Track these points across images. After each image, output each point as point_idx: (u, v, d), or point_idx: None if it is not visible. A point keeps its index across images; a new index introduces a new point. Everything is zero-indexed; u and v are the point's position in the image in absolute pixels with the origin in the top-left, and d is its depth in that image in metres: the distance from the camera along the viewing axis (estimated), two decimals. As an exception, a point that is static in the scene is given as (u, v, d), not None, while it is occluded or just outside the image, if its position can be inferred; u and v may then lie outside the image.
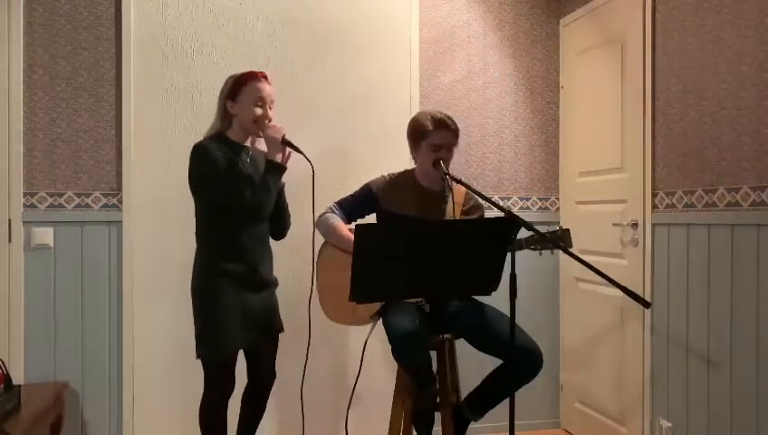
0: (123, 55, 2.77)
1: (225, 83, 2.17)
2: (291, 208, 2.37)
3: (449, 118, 2.31)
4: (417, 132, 2.33)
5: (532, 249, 2.24)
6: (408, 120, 2.43)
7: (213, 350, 2.09)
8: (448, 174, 2.19)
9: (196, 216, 2.17)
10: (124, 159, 2.78)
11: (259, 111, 2.12)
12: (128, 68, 2.78)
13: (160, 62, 2.82)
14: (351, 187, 2.48)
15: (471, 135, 3.21)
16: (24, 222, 2.69)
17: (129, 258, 2.77)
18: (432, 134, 2.28)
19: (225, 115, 2.15)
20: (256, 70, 2.18)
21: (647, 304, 1.61)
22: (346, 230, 2.32)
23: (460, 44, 3.24)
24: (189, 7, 2.86)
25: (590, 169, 3.11)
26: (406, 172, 2.45)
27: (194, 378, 2.81)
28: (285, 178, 2.21)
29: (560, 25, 3.38)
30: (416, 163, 2.41)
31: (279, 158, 2.12)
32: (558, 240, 2.20)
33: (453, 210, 2.35)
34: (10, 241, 2.68)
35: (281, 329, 2.32)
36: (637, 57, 2.73)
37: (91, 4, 2.78)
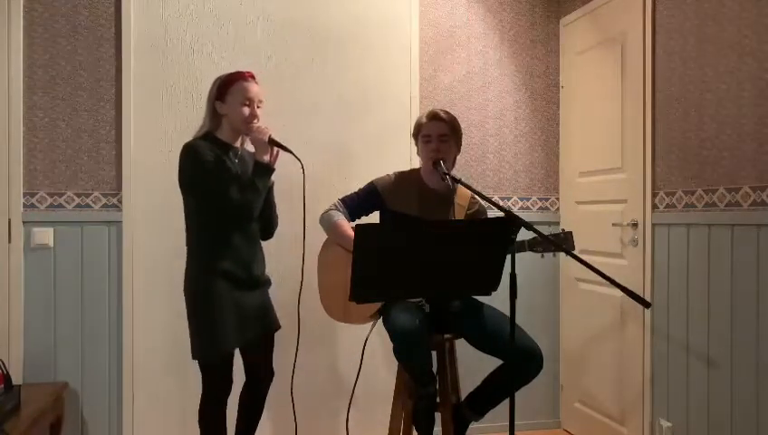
0: (123, 55, 2.77)
1: (213, 84, 2.17)
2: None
3: (445, 111, 2.33)
4: (415, 129, 2.38)
5: (535, 251, 2.24)
6: (413, 121, 2.48)
7: (208, 350, 2.10)
8: (448, 174, 2.19)
9: (186, 214, 2.17)
10: (124, 159, 2.78)
11: (246, 110, 2.12)
12: (128, 68, 2.78)
13: (160, 62, 2.82)
14: (351, 186, 2.48)
15: (471, 135, 3.21)
16: (23, 222, 2.69)
17: (129, 258, 2.77)
18: (423, 126, 2.32)
19: (214, 115, 2.16)
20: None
21: (647, 304, 1.61)
22: (349, 228, 2.31)
23: (460, 44, 3.24)
24: (189, 7, 2.86)
25: (590, 169, 3.11)
26: (412, 171, 2.45)
27: (194, 378, 2.81)
28: (278, 178, 2.21)
29: (560, 25, 3.38)
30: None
31: (267, 158, 2.11)
32: (561, 243, 2.20)
33: (454, 212, 2.35)
34: (10, 241, 2.68)
35: (278, 327, 2.33)
36: (637, 57, 2.73)
37: (91, 4, 2.78)
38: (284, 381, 2.46)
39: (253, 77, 2.17)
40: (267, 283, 2.31)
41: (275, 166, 2.15)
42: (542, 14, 3.36)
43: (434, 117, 2.31)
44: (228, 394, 2.20)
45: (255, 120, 2.14)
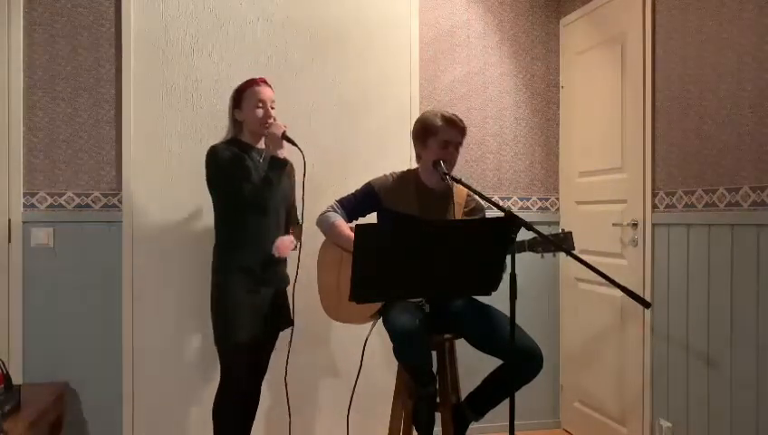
0: (123, 55, 2.77)
1: (231, 96, 2.33)
2: None
3: (458, 117, 2.32)
4: (426, 130, 2.30)
5: (535, 251, 2.23)
6: (413, 121, 2.41)
7: (225, 341, 2.20)
8: (448, 174, 2.19)
9: (214, 212, 2.31)
10: (124, 159, 2.78)
11: (260, 111, 2.27)
12: (128, 68, 2.78)
13: (160, 62, 2.82)
14: (351, 186, 2.48)
15: (471, 135, 3.21)
16: (23, 222, 2.69)
17: (129, 258, 2.77)
18: (442, 131, 2.27)
19: (235, 124, 2.32)
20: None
21: (647, 305, 1.61)
22: (347, 229, 2.31)
23: (460, 44, 3.24)
24: (189, 7, 2.86)
25: (590, 169, 3.11)
26: (409, 171, 2.44)
27: (194, 378, 2.82)
28: None
29: (560, 25, 3.38)
30: (419, 162, 2.40)
31: (282, 153, 2.22)
32: (560, 243, 2.20)
33: (453, 210, 2.35)
34: (10, 241, 2.68)
35: (290, 324, 2.41)
36: (637, 57, 2.73)
37: (91, 4, 2.78)
38: (282, 380, 2.46)
39: (265, 81, 2.31)
40: (286, 280, 2.40)
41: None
42: (542, 14, 3.36)
43: (453, 124, 2.27)
44: (243, 389, 2.26)
45: (271, 120, 2.27)
